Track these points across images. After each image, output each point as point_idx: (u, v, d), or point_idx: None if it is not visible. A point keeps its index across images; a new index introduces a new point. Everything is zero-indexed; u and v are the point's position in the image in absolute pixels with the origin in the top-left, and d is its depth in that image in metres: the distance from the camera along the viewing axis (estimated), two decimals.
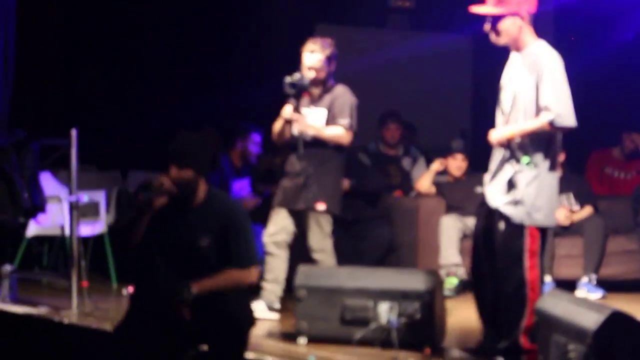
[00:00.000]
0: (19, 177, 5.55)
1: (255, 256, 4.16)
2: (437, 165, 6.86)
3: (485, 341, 4.59)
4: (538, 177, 4.34)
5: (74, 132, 5.87)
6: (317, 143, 5.31)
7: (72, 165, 5.89)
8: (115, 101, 9.51)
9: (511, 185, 4.37)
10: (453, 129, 8.43)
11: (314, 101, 5.44)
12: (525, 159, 4.31)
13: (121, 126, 8.81)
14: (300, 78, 5.28)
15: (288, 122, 5.36)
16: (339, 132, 5.29)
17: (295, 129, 5.34)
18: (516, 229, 4.38)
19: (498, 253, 4.43)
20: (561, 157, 6.86)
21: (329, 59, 5.37)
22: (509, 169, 4.38)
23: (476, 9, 4.41)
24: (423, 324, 4.72)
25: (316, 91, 5.41)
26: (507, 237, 4.40)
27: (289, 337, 4.97)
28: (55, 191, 6.57)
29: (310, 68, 5.34)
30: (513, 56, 4.51)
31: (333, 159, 5.34)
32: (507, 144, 4.35)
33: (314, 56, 5.33)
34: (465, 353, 4.67)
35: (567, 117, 4.24)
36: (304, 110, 5.38)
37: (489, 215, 4.51)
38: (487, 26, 4.40)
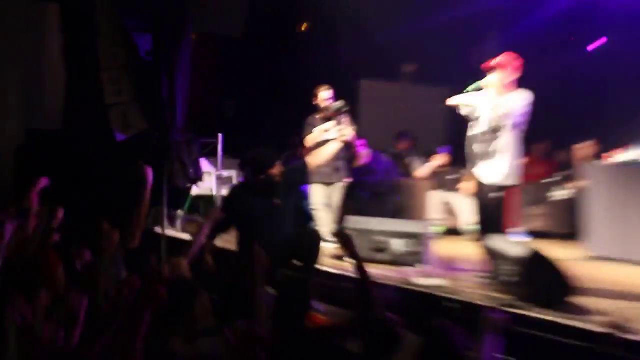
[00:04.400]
0: (188, 160, 7.89)
1: None
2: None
3: None
4: None
5: (220, 136, 9.03)
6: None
7: (218, 154, 9.00)
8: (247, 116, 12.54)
9: None
10: None
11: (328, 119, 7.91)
12: None
13: (243, 131, 11.35)
14: (340, 105, 7.83)
15: (325, 132, 7.83)
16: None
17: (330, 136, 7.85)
18: None
19: None
20: None
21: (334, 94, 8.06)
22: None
23: None
24: (416, 253, 7.54)
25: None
26: None
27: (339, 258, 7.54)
28: (208, 169, 9.19)
29: (329, 99, 8.03)
30: None
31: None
32: None
33: (329, 93, 8.10)
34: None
35: None
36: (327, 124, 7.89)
37: None
38: None
